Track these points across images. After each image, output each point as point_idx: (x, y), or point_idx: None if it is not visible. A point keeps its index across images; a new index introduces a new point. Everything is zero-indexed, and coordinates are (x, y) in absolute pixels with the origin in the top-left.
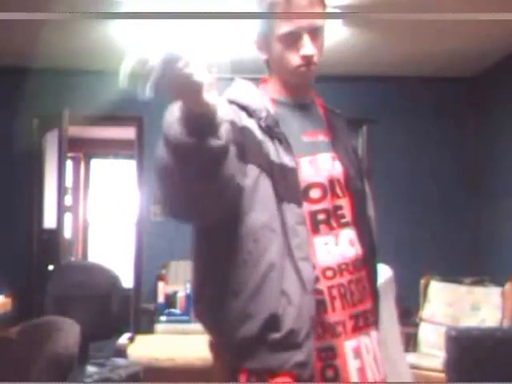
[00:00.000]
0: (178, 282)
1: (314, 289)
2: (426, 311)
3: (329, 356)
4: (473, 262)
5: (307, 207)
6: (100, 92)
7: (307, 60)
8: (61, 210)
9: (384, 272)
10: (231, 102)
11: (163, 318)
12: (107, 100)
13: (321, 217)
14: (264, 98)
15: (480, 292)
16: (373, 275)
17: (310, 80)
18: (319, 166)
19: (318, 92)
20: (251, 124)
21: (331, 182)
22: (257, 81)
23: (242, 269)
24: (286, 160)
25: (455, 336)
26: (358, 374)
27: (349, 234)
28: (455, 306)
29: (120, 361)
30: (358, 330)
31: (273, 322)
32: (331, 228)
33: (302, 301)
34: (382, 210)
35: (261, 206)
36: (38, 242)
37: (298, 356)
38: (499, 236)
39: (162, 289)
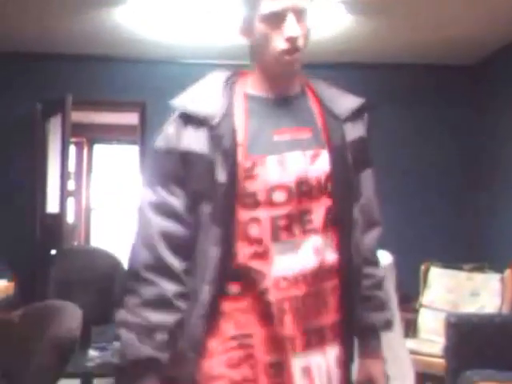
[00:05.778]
0: None
1: (265, 301)
2: (426, 297)
3: (276, 372)
4: (473, 248)
5: (268, 212)
6: (103, 77)
7: (292, 42)
8: (64, 194)
9: (384, 258)
10: (180, 115)
11: None
12: (110, 85)
13: (282, 222)
14: (229, 96)
15: (480, 278)
16: (346, 286)
17: (295, 69)
18: (288, 165)
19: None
20: (198, 138)
21: (300, 183)
22: (243, 68)
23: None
24: (221, 176)
25: (455, 322)
26: None
27: (314, 242)
28: (455, 292)
29: None
30: (310, 347)
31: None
32: (293, 235)
33: (193, 320)
34: (383, 196)
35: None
36: (40, 226)
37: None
38: (499, 222)
39: None
